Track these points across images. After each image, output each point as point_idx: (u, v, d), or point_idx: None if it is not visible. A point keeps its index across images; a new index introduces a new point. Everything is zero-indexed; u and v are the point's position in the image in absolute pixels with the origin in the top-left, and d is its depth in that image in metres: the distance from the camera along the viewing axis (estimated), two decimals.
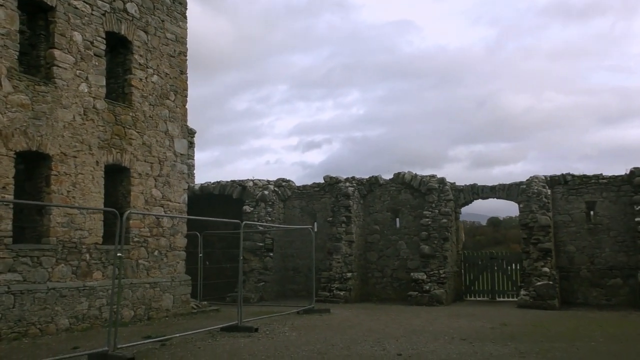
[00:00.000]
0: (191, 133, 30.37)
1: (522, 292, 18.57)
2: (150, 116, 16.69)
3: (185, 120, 18.35)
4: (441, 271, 19.88)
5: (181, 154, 17.95)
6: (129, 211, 12.34)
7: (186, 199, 18.09)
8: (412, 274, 20.35)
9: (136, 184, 15.99)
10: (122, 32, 15.75)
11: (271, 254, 22.22)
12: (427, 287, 19.46)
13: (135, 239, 15.84)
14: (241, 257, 13.81)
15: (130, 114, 15.95)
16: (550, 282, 18.10)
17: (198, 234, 20.22)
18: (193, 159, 30.67)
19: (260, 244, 21.79)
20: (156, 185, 16.73)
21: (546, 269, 18.68)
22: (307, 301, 20.04)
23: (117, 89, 16.11)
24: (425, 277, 19.82)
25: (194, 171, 30.67)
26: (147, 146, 16.51)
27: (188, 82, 18.43)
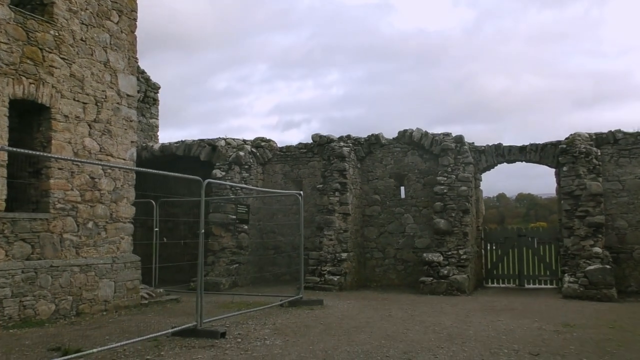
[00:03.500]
0: (155, 88, 25.94)
1: (567, 278, 14.58)
2: (82, 39, 12.21)
3: (134, 52, 13.89)
4: (461, 251, 15.81)
5: (128, 95, 13.54)
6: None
7: (135, 154, 13.72)
8: (423, 254, 16.26)
9: (61, 130, 11.58)
10: None
11: (246, 227, 17.88)
12: (445, 272, 15.39)
13: (59, 205, 11.46)
14: (201, 231, 9.52)
15: (52, 31, 11.47)
16: (607, 266, 14.14)
17: (153, 202, 15.90)
18: (156, 119, 26.29)
19: (233, 217, 17.43)
20: (91, 134, 12.33)
21: (597, 249, 14.73)
22: (291, 288, 15.89)
23: None
24: (441, 258, 15.73)
25: (158, 133, 26.31)
26: (78, 79, 12.06)
27: (138, 2, 13.97)
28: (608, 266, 14.15)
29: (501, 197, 69.22)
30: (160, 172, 9.76)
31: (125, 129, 13.32)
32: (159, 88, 26.17)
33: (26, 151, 7.97)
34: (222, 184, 11.16)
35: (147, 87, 25.36)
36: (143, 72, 25.38)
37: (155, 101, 26.04)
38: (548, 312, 12.20)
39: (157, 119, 26.19)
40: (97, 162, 11.43)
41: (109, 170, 12.70)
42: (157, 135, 25.72)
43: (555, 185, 17.16)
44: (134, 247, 14.04)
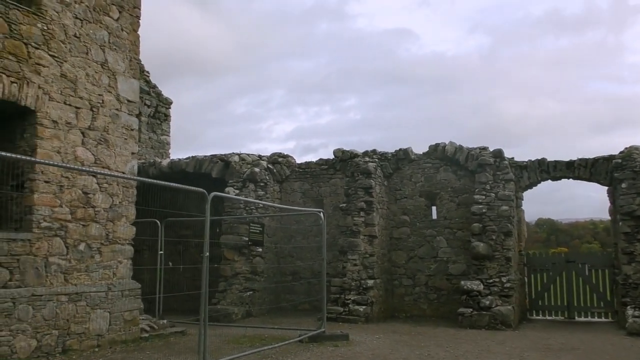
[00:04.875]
0: (166, 103, 24.61)
1: (631, 311, 12.63)
2: (76, 35, 10.74)
3: (137, 53, 12.37)
4: (504, 279, 13.94)
5: (129, 101, 12.00)
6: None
7: (135, 167, 12.13)
8: (461, 282, 14.40)
9: (48, 137, 10.04)
10: None
11: (260, 250, 16.14)
12: (487, 302, 13.51)
13: (44, 224, 9.87)
14: (206, 254, 7.86)
15: (40, 25, 10.00)
16: None
17: (158, 222, 14.29)
18: (168, 135, 24.90)
19: (246, 239, 15.68)
20: (84, 143, 10.78)
21: None
22: (311, 319, 14.12)
23: None
24: (482, 287, 13.87)
25: (169, 151, 24.88)
26: (70, 81, 10.56)
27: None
28: None
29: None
30: (159, 182, 8.18)
31: (125, 139, 11.76)
32: (171, 103, 24.83)
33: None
34: (230, 197, 9.57)
35: (159, 102, 24.03)
36: (155, 86, 24.13)
37: (166, 117, 24.70)
38: (617, 353, 10.29)
39: (168, 135, 24.83)
40: (87, 170, 9.84)
41: (105, 185, 11.12)
42: (169, 154, 24.31)
43: (608, 204, 15.29)
44: (139, 273, 12.46)
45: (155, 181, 8.35)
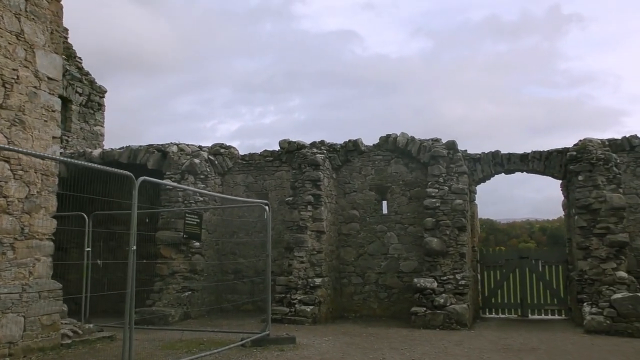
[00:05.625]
0: (100, 91, 23.06)
1: (588, 308, 12.13)
2: None
3: (59, 25, 11.01)
4: (458, 276, 13.27)
5: (50, 79, 10.63)
6: None
7: (58, 153, 10.79)
8: (414, 280, 13.64)
9: None
10: None
11: (198, 245, 14.89)
12: (442, 301, 12.79)
13: None
14: (132, 247, 6.72)
15: None
16: (639, 294, 11.73)
17: (85, 216, 12.96)
18: (102, 126, 23.31)
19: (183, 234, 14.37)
20: None
21: (622, 273, 12.38)
22: (255, 321, 13.13)
23: None
24: (435, 284, 13.15)
25: (103, 143, 23.29)
26: None
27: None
28: (639, 294, 11.76)
29: None
30: (78, 162, 7.03)
31: (45, 121, 10.39)
32: (105, 92, 23.29)
33: None
34: (160, 182, 8.41)
35: (92, 90, 22.45)
36: (87, 73, 22.56)
37: (100, 106, 23.14)
38: (579, 352, 9.71)
39: (102, 126, 23.28)
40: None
41: (20, 172, 9.75)
42: (103, 145, 22.75)
43: (562, 199, 14.90)
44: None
45: (73, 161, 7.19)
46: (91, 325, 11.69)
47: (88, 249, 12.82)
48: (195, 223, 12.77)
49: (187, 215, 12.74)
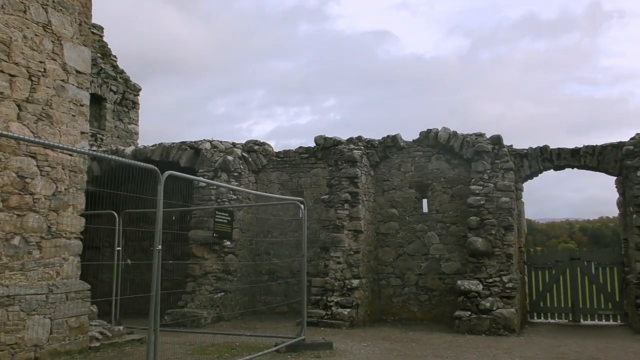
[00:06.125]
0: (135, 90, 22.87)
1: None
2: None
3: (88, 17, 10.66)
4: (505, 278, 12.49)
5: (78, 72, 10.27)
6: None
7: (86, 150, 10.42)
8: (457, 282, 12.91)
9: None
10: None
11: (229, 244, 14.41)
12: (487, 305, 12.03)
13: None
14: (157, 247, 6.23)
15: None
16: None
17: (115, 214, 12.60)
18: (136, 124, 23.13)
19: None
20: (21, 117, 9.05)
21: None
22: (290, 324, 12.56)
23: None
24: (481, 287, 12.39)
25: (137, 140, 23.10)
26: (3, 43, 8.85)
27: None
28: None
29: None
30: (103, 155, 6.55)
31: (73, 115, 10.04)
32: (140, 90, 23.09)
33: None
34: (188, 177, 7.88)
35: (126, 89, 22.27)
36: (122, 71, 22.41)
37: (135, 104, 22.94)
38: None
39: (136, 124, 23.09)
40: (15, 136, 8.13)
41: (47, 168, 9.40)
42: (137, 144, 22.56)
43: (617, 196, 13.95)
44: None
45: (97, 154, 6.73)
46: (121, 327, 11.32)
47: (118, 248, 12.44)
48: (225, 221, 12.29)
49: (217, 212, 12.25)
